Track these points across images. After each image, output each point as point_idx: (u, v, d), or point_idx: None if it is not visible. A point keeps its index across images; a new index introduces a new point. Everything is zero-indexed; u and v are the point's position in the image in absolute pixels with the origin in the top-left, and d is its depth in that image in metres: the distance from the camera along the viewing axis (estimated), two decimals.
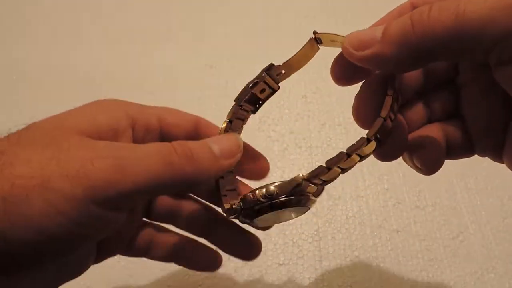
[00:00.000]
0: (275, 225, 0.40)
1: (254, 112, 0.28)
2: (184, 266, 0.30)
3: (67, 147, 0.20)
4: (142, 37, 0.58)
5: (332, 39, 0.24)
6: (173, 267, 0.37)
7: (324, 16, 0.59)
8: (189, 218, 0.29)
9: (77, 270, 0.24)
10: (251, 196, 0.23)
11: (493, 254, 0.38)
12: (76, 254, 0.21)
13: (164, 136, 0.26)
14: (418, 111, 0.26)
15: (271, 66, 0.27)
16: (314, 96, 0.49)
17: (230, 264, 0.38)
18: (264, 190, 0.22)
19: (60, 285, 0.23)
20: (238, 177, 0.29)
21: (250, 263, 0.38)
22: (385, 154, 0.24)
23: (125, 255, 0.29)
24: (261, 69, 0.27)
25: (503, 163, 0.24)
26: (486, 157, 0.25)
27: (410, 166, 0.25)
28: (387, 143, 0.22)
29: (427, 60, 0.20)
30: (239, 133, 0.28)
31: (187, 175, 0.21)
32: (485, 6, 0.17)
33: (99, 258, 0.26)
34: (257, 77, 0.27)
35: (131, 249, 0.28)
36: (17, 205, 0.18)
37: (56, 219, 0.18)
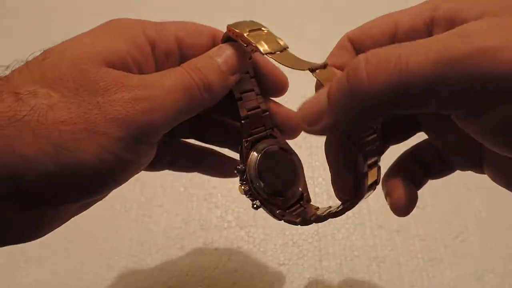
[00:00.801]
0: (275, 225, 0.40)
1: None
2: (205, 173, 0.31)
3: (105, 88, 0.20)
4: None
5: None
6: (173, 267, 0.37)
7: (324, 16, 0.59)
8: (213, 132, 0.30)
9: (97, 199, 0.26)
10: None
11: (493, 254, 0.38)
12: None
13: (184, 56, 0.26)
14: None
15: None
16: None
17: (230, 264, 0.38)
18: None
19: (78, 213, 0.24)
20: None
21: (250, 263, 0.38)
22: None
23: (149, 170, 0.28)
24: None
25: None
26: None
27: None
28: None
29: (378, 116, 0.19)
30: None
31: (204, 102, 0.23)
32: (428, 60, 0.16)
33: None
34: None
35: (158, 161, 0.28)
36: (69, 150, 0.19)
37: (109, 160, 0.20)
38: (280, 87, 0.28)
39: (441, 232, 0.40)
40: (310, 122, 0.20)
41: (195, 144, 0.31)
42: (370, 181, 0.23)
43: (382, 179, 0.26)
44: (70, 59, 0.21)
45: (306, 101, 0.21)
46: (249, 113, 0.27)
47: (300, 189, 0.29)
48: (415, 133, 0.27)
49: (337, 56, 0.24)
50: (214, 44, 0.26)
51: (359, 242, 0.39)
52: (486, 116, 0.17)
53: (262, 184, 0.26)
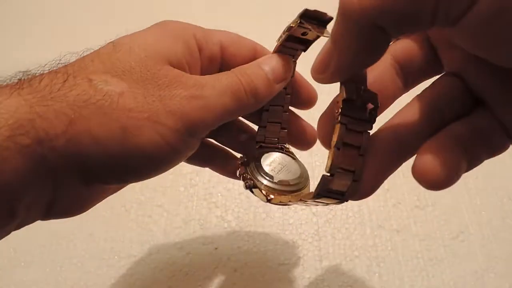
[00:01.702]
0: (275, 225, 0.40)
1: (305, 50, 0.27)
2: (215, 170, 0.33)
3: (166, 84, 0.23)
4: None
5: None
6: (173, 266, 0.37)
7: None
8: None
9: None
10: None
11: (493, 254, 0.38)
12: None
13: (224, 64, 0.28)
14: (423, 115, 0.22)
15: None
16: None
17: (230, 264, 0.38)
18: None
19: (117, 191, 0.27)
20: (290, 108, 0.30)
21: (250, 263, 0.38)
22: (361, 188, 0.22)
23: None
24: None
25: None
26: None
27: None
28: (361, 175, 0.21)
29: (377, 41, 0.18)
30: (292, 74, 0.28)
31: (250, 106, 0.25)
32: None
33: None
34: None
35: None
36: (133, 135, 0.21)
37: (164, 148, 0.22)
38: (311, 101, 0.31)
39: (441, 232, 0.40)
40: (320, 69, 0.21)
41: (211, 141, 0.32)
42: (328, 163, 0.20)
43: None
44: (138, 54, 0.24)
45: (316, 58, 0.21)
46: (268, 124, 0.29)
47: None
48: (466, 110, 0.22)
49: None
50: (254, 57, 0.28)
51: (359, 242, 0.39)
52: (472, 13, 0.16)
53: (263, 169, 0.28)
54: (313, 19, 0.24)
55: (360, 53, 0.19)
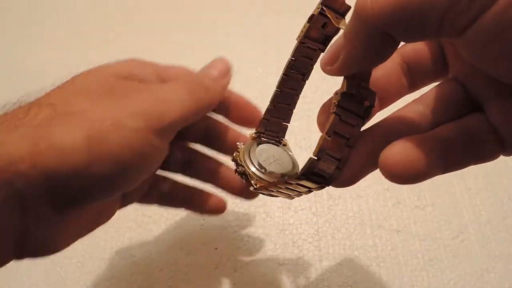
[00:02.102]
0: (275, 225, 0.40)
1: (323, 50, 0.27)
2: (193, 211, 0.35)
3: (124, 92, 0.25)
4: (142, 37, 0.58)
5: None
6: (172, 266, 0.37)
7: None
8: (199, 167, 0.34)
9: (107, 215, 0.28)
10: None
11: (493, 254, 0.38)
12: (112, 197, 0.25)
13: None
14: (417, 115, 0.22)
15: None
16: (314, 96, 0.49)
17: (230, 264, 0.38)
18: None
19: (92, 229, 0.27)
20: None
21: (250, 263, 0.38)
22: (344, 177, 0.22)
23: (140, 202, 0.32)
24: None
25: None
26: None
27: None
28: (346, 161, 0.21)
29: (386, 42, 0.19)
30: (307, 76, 0.28)
31: (205, 102, 0.27)
32: None
33: (121, 205, 0.30)
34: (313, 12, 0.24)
35: (147, 196, 0.32)
36: (99, 142, 0.21)
37: (130, 151, 0.22)
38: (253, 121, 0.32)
39: (441, 232, 0.40)
40: (330, 61, 0.21)
41: (183, 183, 0.34)
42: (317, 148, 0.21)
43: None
44: (96, 75, 0.26)
45: (326, 50, 0.22)
46: (270, 119, 0.30)
47: None
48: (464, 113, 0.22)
49: None
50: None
51: (359, 242, 0.39)
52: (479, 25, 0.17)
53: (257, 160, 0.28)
54: (332, 9, 0.24)
55: (367, 53, 0.20)
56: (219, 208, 0.35)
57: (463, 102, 0.22)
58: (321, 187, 0.22)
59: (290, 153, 0.31)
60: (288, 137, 0.31)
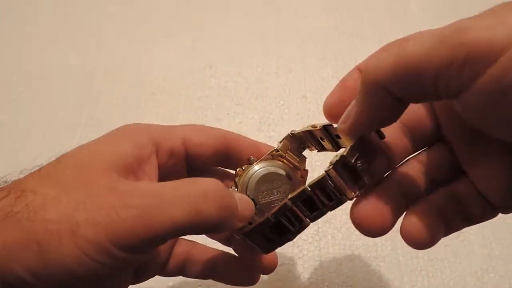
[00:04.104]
0: None
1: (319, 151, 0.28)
2: (222, 281, 0.30)
3: (96, 192, 0.21)
4: (142, 37, 0.58)
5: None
6: None
7: (324, 16, 0.59)
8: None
9: None
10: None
11: (493, 254, 0.38)
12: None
13: (190, 156, 0.27)
14: (416, 177, 0.24)
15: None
16: (314, 96, 0.49)
17: None
18: None
19: None
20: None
21: None
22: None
23: (162, 275, 0.29)
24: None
25: None
26: None
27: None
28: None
29: (391, 100, 0.20)
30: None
31: (212, 225, 0.22)
32: (423, 42, 0.18)
33: (136, 281, 0.27)
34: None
35: (167, 269, 0.29)
36: (50, 249, 0.19)
37: (84, 262, 0.19)
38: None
39: None
40: (343, 120, 0.22)
41: (209, 247, 0.30)
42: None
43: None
44: (74, 164, 0.22)
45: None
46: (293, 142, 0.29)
47: None
48: (456, 176, 0.24)
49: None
50: (224, 145, 0.27)
51: (359, 242, 0.39)
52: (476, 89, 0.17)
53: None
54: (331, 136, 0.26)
55: (374, 113, 0.21)
56: (250, 278, 0.30)
57: (454, 165, 0.24)
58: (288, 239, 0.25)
59: (292, 175, 0.28)
60: None
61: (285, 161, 0.28)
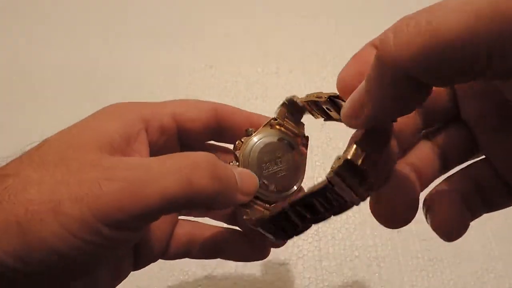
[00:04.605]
0: None
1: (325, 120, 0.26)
2: (231, 259, 0.29)
3: (77, 168, 0.20)
4: (142, 37, 0.58)
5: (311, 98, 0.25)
6: (172, 266, 0.37)
7: (324, 16, 0.59)
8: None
9: (110, 282, 0.24)
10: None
11: (493, 254, 0.38)
12: (100, 271, 0.22)
13: (182, 132, 0.26)
14: (427, 157, 0.23)
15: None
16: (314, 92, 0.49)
17: (230, 264, 0.38)
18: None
19: None
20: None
21: (250, 263, 0.38)
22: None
23: (165, 259, 0.28)
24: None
25: None
26: None
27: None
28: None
29: (414, 88, 0.16)
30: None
31: (206, 197, 0.21)
32: (459, 20, 0.14)
33: (139, 265, 0.27)
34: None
35: (170, 252, 0.28)
36: (32, 229, 0.18)
37: (69, 240, 0.18)
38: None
39: None
40: (354, 114, 0.19)
41: (213, 225, 0.29)
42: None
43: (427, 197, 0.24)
44: (57, 145, 0.21)
45: (347, 100, 0.19)
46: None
47: (294, 187, 0.27)
48: (472, 157, 0.23)
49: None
50: (215, 118, 0.26)
51: (359, 242, 0.39)
52: None
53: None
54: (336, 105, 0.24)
55: (394, 104, 0.17)
56: (260, 252, 0.29)
57: (470, 146, 0.23)
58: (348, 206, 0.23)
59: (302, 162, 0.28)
60: None
61: (283, 129, 0.27)
